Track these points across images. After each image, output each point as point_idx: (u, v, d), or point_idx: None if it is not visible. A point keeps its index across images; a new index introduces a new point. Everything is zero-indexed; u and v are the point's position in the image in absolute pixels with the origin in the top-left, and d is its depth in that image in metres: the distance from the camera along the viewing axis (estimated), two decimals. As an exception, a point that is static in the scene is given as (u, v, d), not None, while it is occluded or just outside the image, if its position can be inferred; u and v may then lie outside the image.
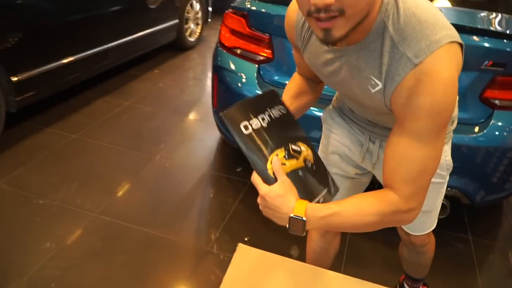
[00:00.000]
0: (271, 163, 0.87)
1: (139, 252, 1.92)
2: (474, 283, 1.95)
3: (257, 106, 0.94)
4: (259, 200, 0.88)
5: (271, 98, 1.00)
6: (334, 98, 1.32)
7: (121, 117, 3.10)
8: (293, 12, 1.03)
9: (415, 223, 1.25)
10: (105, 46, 3.25)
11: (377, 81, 0.84)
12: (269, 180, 0.87)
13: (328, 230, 1.43)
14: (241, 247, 1.14)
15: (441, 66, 0.76)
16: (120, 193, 2.30)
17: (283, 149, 0.90)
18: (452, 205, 2.06)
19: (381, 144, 1.18)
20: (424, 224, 1.30)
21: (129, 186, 2.36)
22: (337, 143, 1.27)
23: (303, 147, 0.95)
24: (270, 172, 0.86)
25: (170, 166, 2.60)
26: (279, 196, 0.85)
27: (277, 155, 0.88)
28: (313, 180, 0.93)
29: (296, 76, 1.19)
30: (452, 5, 2.34)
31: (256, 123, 0.90)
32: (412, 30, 0.78)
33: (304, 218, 0.84)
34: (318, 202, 0.90)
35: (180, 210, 2.23)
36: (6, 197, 2.18)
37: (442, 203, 1.94)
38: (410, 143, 0.82)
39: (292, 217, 0.84)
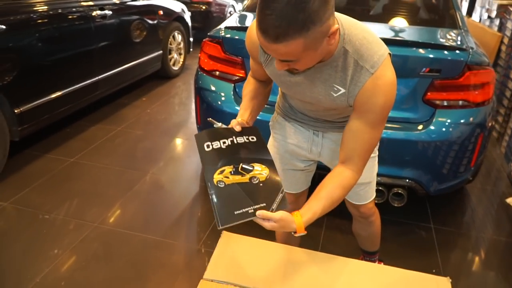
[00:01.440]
0: (218, 174, 1.13)
1: (137, 254, 2.16)
2: (435, 264, 2.21)
3: (224, 133, 1.21)
4: (274, 223, 1.09)
5: (248, 130, 1.25)
6: (276, 106, 1.59)
7: (114, 141, 3.37)
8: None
9: (361, 194, 1.56)
10: (96, 78, 3.55)
11: (340, 88, 1.14)
12: (211, 187, 1.11)
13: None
14: (224, 234, 1.38)
15: (388, 71, 1.10)
16: (117, 206, 2.55)
17: (232, 166, 1.15)
18: (413, 198, 2.34)
19: (323, 135, 1.48)
20: (367, 193, 1.61)
21: (125, 199, 2.62)
22: (285, 144, 1.56)
23: (258, 167, 1.17)
24: (214, 181, 1.10)
25: (161, 181, 2.86)
26: (285, 219, 1.09)
27: (224, 170, 1.14)
28: (252, 195, 1.10)
29: (250, 80, 1.45)
30: (403, 24, 2.69)
31: (216, 144, 1.18)
32: (365, 49, 1.09)
33: (305, 233, 1.12)
34: (247, 212, 1.07)
35: (172, 217, 2.48)
36: (15, 215, 2.41)
37: (399, 192, 2.25)
38: (365, 129, 1.15)
39: (297, 235, 1.12)
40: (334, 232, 2.40)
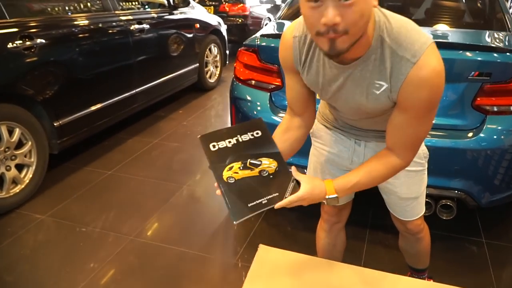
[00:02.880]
0: (227, 170, 1.12)
1: (172, 267, 2.12)
2: (489, 281, 2.04)
3: (228, 133, 1.20)
4: (300, 202, 1.10)
5: (252, 125, 1.24)
6: (317, 113, 1.49)
7: (151, 153, 3.38)
8: (289, 38, 1.19)
9: (407, 210, 1.45)
10: (134, 91, 3.59)
11: (382, 83, 1.05)
12: (220, 183, 1.10)
13: (332, 228, 1.67)
14: (262, 247, 1.32)
15: (433, 60, 1.00)
16: (153, 218, 2.52)
17: (240, 162, 1.14)
18: (463, 210, 2.19)
19: (366, 145, 1.39)
20: (414, 209, 1.48)
21: (161, 211, 2.59)
22: (326, 153, 1.47)
23: (266, 161, 1.16)
24: (224, 177, 1.11)
25: (197, 193, 2.82)
26: (312, 191, 1.10)
27: (233, 166, 1.13)
28: (263, 187, 1.11)
29: (283, 122, 1.32)
30: (449, 27, 2.57)
31: (222, 144, 1.17)
32: (404, 37, 1.01)
33: (335, 195, 1.13)
34: (261, 203, 1.08)
35: (208, 230, 2.43)
36: (53, 228, 2.43)
37: (448, 204, 2.11)
38: (410, 123, 1.08)
39: (327, 198, 1.12)
40: (377, 247, 2.27)
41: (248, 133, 1.22)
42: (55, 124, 2.81)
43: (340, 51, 0.96)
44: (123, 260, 2.16)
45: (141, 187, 2.88)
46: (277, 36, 2.34)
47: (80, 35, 3.03)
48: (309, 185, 1.11)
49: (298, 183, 1.13)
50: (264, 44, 2.33)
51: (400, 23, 1.02)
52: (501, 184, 2.10)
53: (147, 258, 2.18)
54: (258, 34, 2.44)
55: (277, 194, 1.11)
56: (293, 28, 1.18)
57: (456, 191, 2.08)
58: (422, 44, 1.00)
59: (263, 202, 1.09)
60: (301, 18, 1.11)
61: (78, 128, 3.06)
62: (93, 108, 3.15)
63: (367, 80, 1.07)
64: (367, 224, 2.44)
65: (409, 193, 1.43)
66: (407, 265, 1.83)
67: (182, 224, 2.49)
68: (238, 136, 1.21)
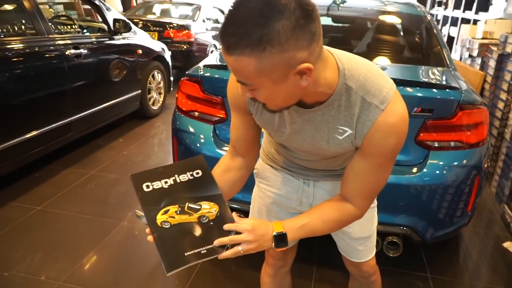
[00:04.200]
0: (161, 214, 1.01)
1: (105, 317, 1.92)
2: (435, 318, 2.03)
3: (165, 172, 1.09)
4: (247, 246, 0.99)
5: (192, 163, 1.13)
6: (261, 151, 1.41)
7: (86, 186, 3.15)
8: None
9: (360, 250, 1.38)
10: (69, 119, 3.36)
11: (345, 129, 1.00)
12: (153, 228, 0.99)
13: (278, 272, 1.57)
14: None
15: (400, 106, 0.98)
16: (84, 260, 2.30)
17: (177, 206, 1.03)
18: (407, 244, 2.17)
19: (315, 185, 1.31)
20: (367, 249, 1.42)
21: (94, 252, 2.38)
22: (272, 195, 1.39)
23: (207, 205, 1.06)
24: (158, 222, 1.00)
25: (136, 230, 2.63)
26: (258, 226, 1.01)
27: (169, 210, 1.02)
28: (203, 234, 1.01)
29: (222, 160, 1.25)
30: (391, 62, 2.61)
31: (157, 184, 1.06)
32: (372, 83, 0.96)
33: (284, 232, 1.02)
34: (200, 253, 0.97)
35: (146, 271, 2.25)
36: (-33, 274, 2.15)
37: (394, 241, 2.08)
38: (372, 171, 1.03)
39: (275, 235, 1.02)
40: (325, 286, 2.19)
41: (187, 173, 1.11)
42: (-24, 155, 2.54)
43: (275, 111, 0.96)
44: (48, 311, 1.93)
45: (73, 225, 2.64)
46: (221, 67, 2.26)
47: (9, 59, 2.80)
48: (254, 222, 1.02)
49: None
50: (207, 74, 2.24)
51: (365, 68, 0.98)
52: (445, 219, 2.11)
53: (76, 307, 1.97)
54: (201, 64, 2.35)
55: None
56: None
57: (401, 227, 2.06)
58: (389, 90, 0.97)
59: (202, 252, 0.98)
60: None
61: (4, 160, 2.79)
62: (22, 137, 2.89)
63: (329, 125, 1.02)
64: (313, 260, 2.36)
65: (362, 232, 1.37)
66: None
67: (118, 265, 2.29)
68: (176, 176, 1.09)
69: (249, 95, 0.91)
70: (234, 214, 1.05)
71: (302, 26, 0.78)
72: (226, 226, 1.01)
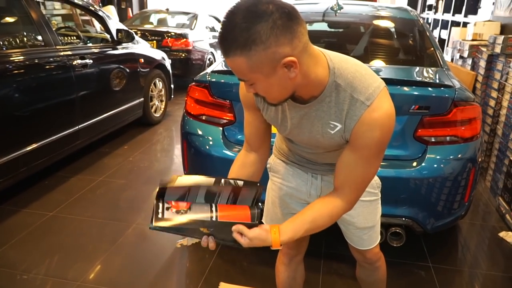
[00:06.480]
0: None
1: (125, 312, 2.02)
2: (438, 304, 2.14)
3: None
4: (245, 243, 1.10)
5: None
6: (273, 148, 1.54)
7: (95, 192, 3.24)
8: None
9: (364, 239, 1.50)
10: (76, 127, 3.46)
11: (336, 124, 1.11)
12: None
13: (292, 261, 1.69)
14: (223, 285, 1.30)
15: (386, 103, 1.08)
16: (100, 261, 2.40)
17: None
18: (409, 234, 2.29)
19: (322, 178, 1.44)
20: (371, 238, 1.53)
21: (110, 253, 2.47)
22: (284, 187, 1.51)
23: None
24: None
25: (147, 231, 2.73)
26: (258, 237, 1.10)
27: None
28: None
29: (239, 156, 1.37)
30: (386, 64, 2.74)
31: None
32: (359, 81, 1.07)
33: (281, 247, 1.15)
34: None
35: (160, 270, 2.34)
36: (-11, 276, 2.24)
37: (398, 232, 2.20)
38: (359, 163, 1.13)
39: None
40: (333, 277, 2.30)
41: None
42: (-10, 164, 2.63)
43: (275, 105, 1.08)
44: (70, 308, 2.03)
45: (87, 228, 2.74)
46: (228, 72, 2.38)
47: (19, 71, 2.91)
48: (255, 234, 1.11)
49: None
50: (215, 80, 2.36)
51: (355, 68, 1.09)
52: (443, 210, 2.23)
53: (97, 304, 2.07)
54: (208, 70, 2.47)
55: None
56: None
57: (403, 218, 2.17)
58: (375, 88, 1.07)
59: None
60: None
61: (16, 168, 2.88)
62: (32, 146, 2.99)
63: (322, 120, 1.13)
64: (321, 255, 2.47)
65: (365, 223, 1.49)
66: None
67: (133, 265, 2.39)
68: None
69: (251, 90, 1.03)
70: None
71: (280, 25, 0.91)
72: (236, 228, 1.10)
